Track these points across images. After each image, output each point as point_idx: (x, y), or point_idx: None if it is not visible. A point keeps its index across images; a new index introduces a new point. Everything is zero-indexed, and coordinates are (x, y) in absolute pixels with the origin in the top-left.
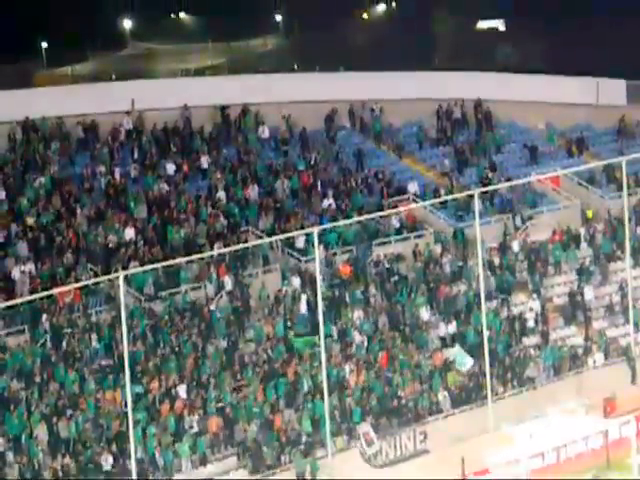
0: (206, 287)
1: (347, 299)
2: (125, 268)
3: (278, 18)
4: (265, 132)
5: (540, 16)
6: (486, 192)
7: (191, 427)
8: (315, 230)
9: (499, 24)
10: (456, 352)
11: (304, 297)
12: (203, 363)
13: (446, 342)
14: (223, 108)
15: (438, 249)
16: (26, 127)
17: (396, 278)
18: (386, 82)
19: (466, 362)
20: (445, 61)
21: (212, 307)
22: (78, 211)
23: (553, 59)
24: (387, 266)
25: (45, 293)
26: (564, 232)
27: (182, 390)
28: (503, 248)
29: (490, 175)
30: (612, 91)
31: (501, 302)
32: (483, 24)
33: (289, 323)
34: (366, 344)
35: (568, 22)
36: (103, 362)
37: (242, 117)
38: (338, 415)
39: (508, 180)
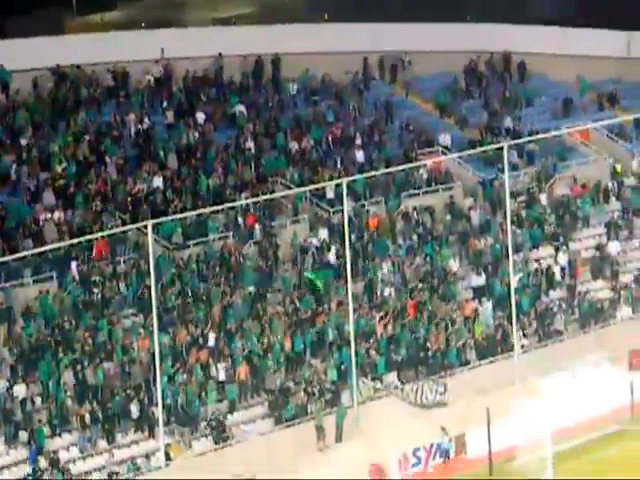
0: (234, 236)
1: (375, 251)
2: (153, 217)
3: None
4: (294, 88)
5: None
6: (515, 145)
7: (218, 375)
8: (344, 181)
9: None
10: (486, 308)
11: (333, 248)
12: (230, 312)
13: (474, 294)
14: (257, 59)
15: (467, 202)
16: (56, 74)
17: (424, 230)
18: (416, 33)
19: (490, 322)
20: (476, 13)
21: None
22: (107, 159)
23: (585, 11)
24: (415, 218)
25: (74, 240)
26: (593, 186)
27: (210, 338)
28: (531, 201)
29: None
30: None
31: (528, 255)
32: None
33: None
34: (394, 295)
35: None
36: (131, 310)
37: (272, 67)
38: (364, 365)
39: (537, 133)
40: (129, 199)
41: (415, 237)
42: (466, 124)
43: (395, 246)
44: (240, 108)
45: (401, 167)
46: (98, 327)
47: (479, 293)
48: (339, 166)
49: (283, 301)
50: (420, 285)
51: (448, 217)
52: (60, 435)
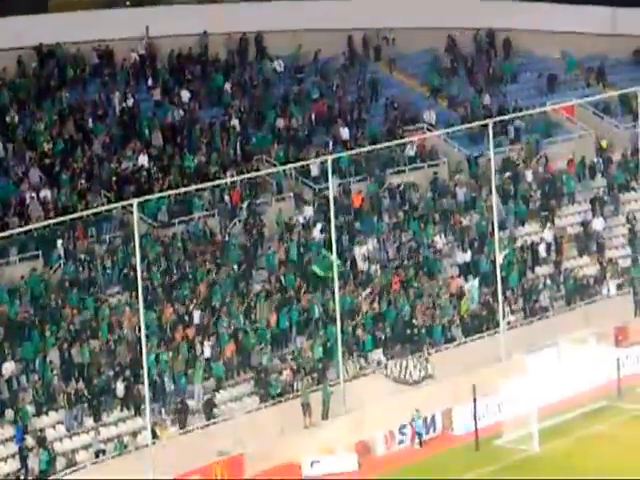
0: (219, 214)
1: (360, 228)
2: (139, 195)
3: None
4: (281, 65)
5: None
6: (501, 121)
7: (204, 353)
8: (329, 158)
9: None
10: (473, 285)
11: (318, 225)
12: (216, 289)
13: (460, 270)
14: (242, 36)
15: (452, 178)
16: (40, 53)
17: (409, 207)
18: (401, 10)
19: (476, 299)
20: None
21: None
22: (92, 138)
23: None
24: (401, 195)
25: (60, 219)
26: (578, 162)
27: (196, 316)
28: (516, 178)
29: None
30: (629, 20)
31: (514, 231)
32: None
33: (302, 251)
34: (379, 272)
35: None
36: (116, 288)
37: (257, 45)
38: (350, 342)
39: (522, 110)
40: (114, 177)
41: (400, 214)
42: (451, 101)
43: (380, 223)
44: (225, 86)
45: (386, 144)
46: (84, 305)
47: (465, 270)
48: (324, 143)
49: (268, 279)
50: (405, 262)
51: (433, 194)
52: (47, 413)
